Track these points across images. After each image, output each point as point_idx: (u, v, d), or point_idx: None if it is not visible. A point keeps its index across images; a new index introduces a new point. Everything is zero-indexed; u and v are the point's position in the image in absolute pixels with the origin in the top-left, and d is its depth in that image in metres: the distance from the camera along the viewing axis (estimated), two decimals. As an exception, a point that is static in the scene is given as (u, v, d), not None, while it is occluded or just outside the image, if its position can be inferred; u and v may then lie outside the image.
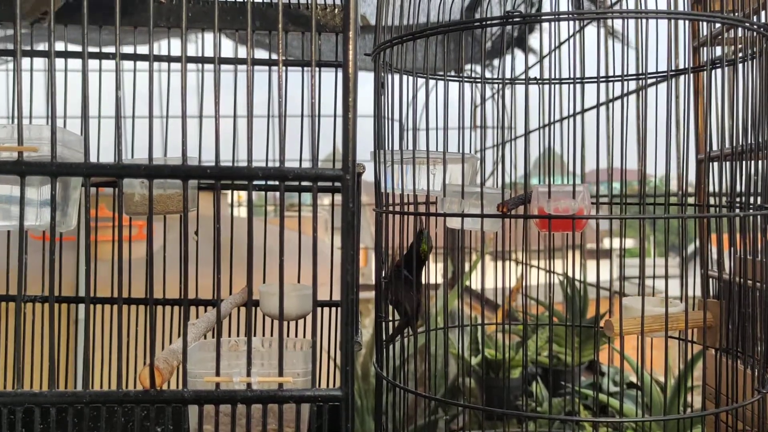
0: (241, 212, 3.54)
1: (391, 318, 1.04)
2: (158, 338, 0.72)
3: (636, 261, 0.90)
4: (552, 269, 2.52)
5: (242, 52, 1.15)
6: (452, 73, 1.18)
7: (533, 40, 2.45)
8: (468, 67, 2.43)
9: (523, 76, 1.16)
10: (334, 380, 1.24)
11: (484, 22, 0.81)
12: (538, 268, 2.86)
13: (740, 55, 0.87)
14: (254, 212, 0.62)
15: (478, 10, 1.58)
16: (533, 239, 1.22)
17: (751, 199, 0.89)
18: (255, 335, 0.71)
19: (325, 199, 3.43)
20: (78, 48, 1.21)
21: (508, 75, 1.11)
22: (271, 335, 1.10)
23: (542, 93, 1.25)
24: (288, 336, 1.10)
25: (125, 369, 0.61)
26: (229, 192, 1.29)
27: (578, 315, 2.16)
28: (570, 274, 2.31)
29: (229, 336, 1.13)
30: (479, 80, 1.17)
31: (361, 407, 2.07)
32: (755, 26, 0.81)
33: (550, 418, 1.11)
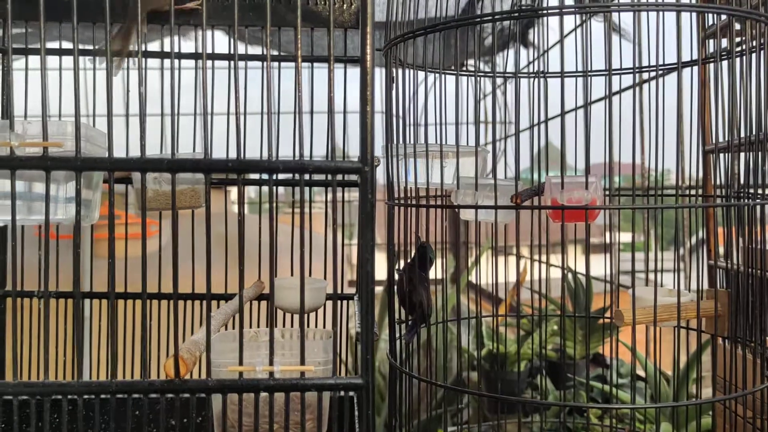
0: (245, 210, 3.56)
1: (404, 319, 1.06)
2: (173, 332, 0.72)
3: (640, 255, 0.91)
4: (561, 264, 2.53)
5: (242, 49, 1.16)
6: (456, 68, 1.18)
7: (536, 36, 2.46)
8: (471, 62, 2.44)
9: (527, 70, 1.17)
10: (347, 373, 1.25)
11: (494, 16, 0.82)
12: (547, 263, 2.86)
13: (751, 45, 0.87)
14: (257, 210, 0.63)
15: (478, 6, 1.59)
16: (537, 235, 1.23)
17: (759, 191, 0.90)
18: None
19: (328, 195, 3.44)
20: (70, 46, 1.20)
21: (514, 70, 1.12)
22: (284, 327, 1.11)
23: (548, 87, 1.26)
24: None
25: (135, 362, 0.62)
26: (234, 189, 1.29)
27: (583, 308, 2.17)
28: (575, 268, 2.31)
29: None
30: (490, 74, 1.17)
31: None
32: (763, 17, 0.82)
33: (561, 405, 1.12)
